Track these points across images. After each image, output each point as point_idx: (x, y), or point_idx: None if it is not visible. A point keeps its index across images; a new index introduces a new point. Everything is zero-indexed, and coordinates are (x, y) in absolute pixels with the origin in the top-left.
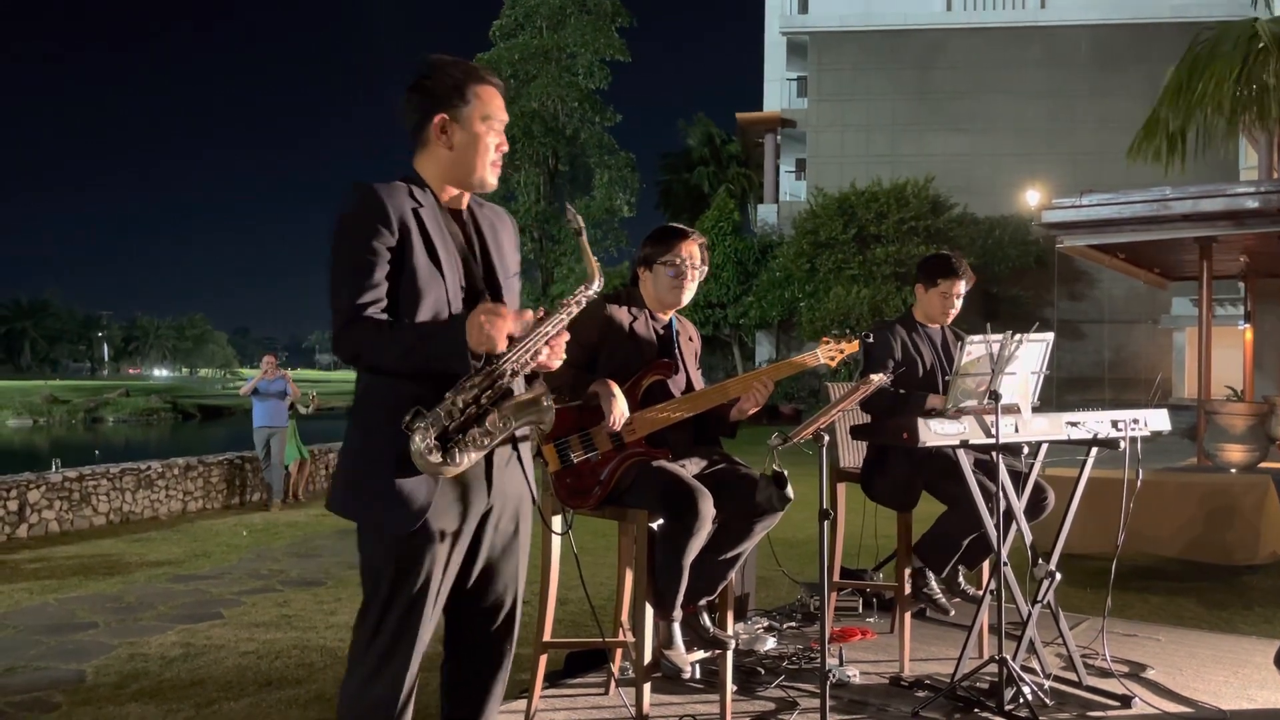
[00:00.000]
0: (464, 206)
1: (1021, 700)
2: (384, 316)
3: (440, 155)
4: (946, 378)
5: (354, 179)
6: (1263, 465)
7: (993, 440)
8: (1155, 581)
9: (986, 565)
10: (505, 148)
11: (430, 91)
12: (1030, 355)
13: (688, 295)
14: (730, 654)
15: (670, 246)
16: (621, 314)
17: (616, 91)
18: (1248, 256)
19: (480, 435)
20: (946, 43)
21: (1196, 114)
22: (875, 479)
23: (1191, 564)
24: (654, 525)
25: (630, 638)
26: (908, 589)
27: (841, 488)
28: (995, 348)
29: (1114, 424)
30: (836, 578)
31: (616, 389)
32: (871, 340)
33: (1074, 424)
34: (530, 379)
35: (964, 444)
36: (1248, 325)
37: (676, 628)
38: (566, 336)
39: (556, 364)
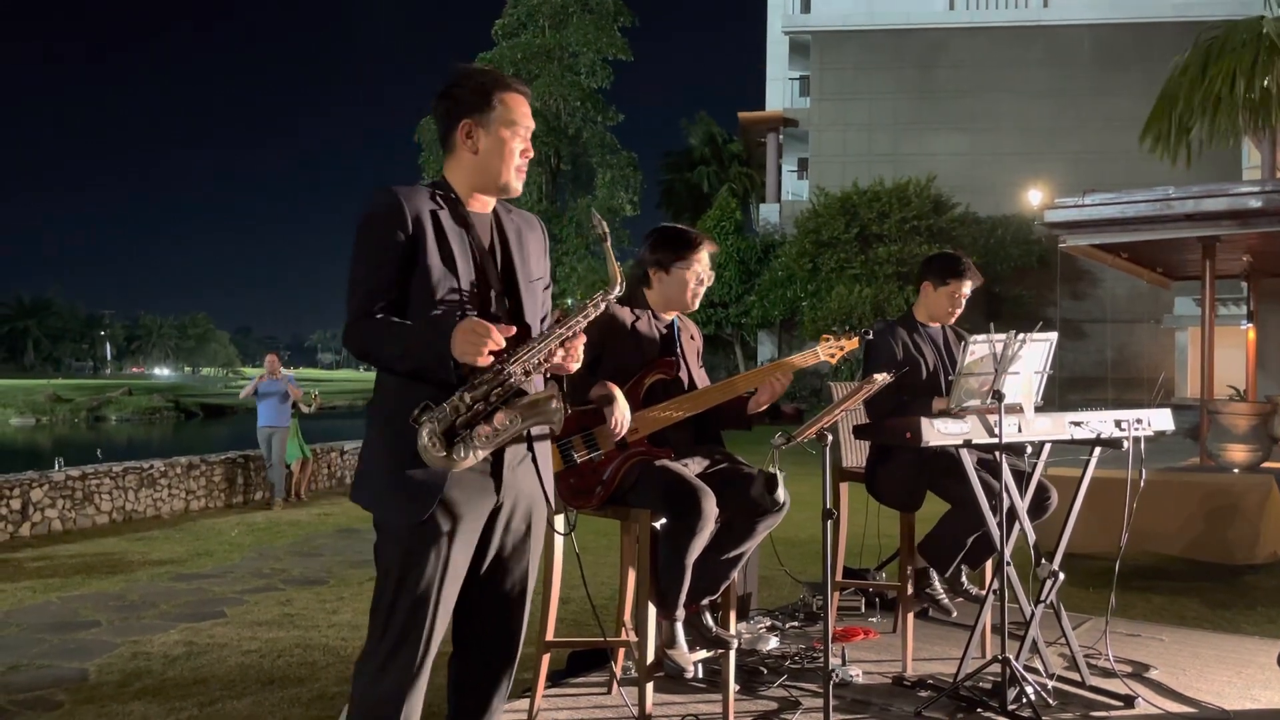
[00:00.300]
0: (489, 211)
1: (1024, 700)
2: (393, 316)
3: (466, 160)
4: (949, 377)
5: (354, 178)
6: (1265, 465)
7: (996, 440)
8: (1158, 581)
9: (989, 565)
10: (530, 154)
11: (457, 98)
12: (1033, 355)
13: (699, 300)
14: (733, 653)
15: (691, 253)
16: (624, 313)
17: (618, 91)
18: (1251, 256)
19: (488, 432)
20: (949, 42)
21: (1205, 109)
22: (879, 479)
23: (1194, 564)
24: (657, 524)
25: (633, 637)
26: (910, 589)
27: (844, 487)
28: (998, 347)
29: (1117, 424)
30: (839, 577)
31: (619, 394)
32: (872, 339)
33: (1077, 424)
34: (550, 380)
35: (967, 443)
36: (1250, 325)
37: (679, 627)
38: (584, 339)
39: (574, 367)
